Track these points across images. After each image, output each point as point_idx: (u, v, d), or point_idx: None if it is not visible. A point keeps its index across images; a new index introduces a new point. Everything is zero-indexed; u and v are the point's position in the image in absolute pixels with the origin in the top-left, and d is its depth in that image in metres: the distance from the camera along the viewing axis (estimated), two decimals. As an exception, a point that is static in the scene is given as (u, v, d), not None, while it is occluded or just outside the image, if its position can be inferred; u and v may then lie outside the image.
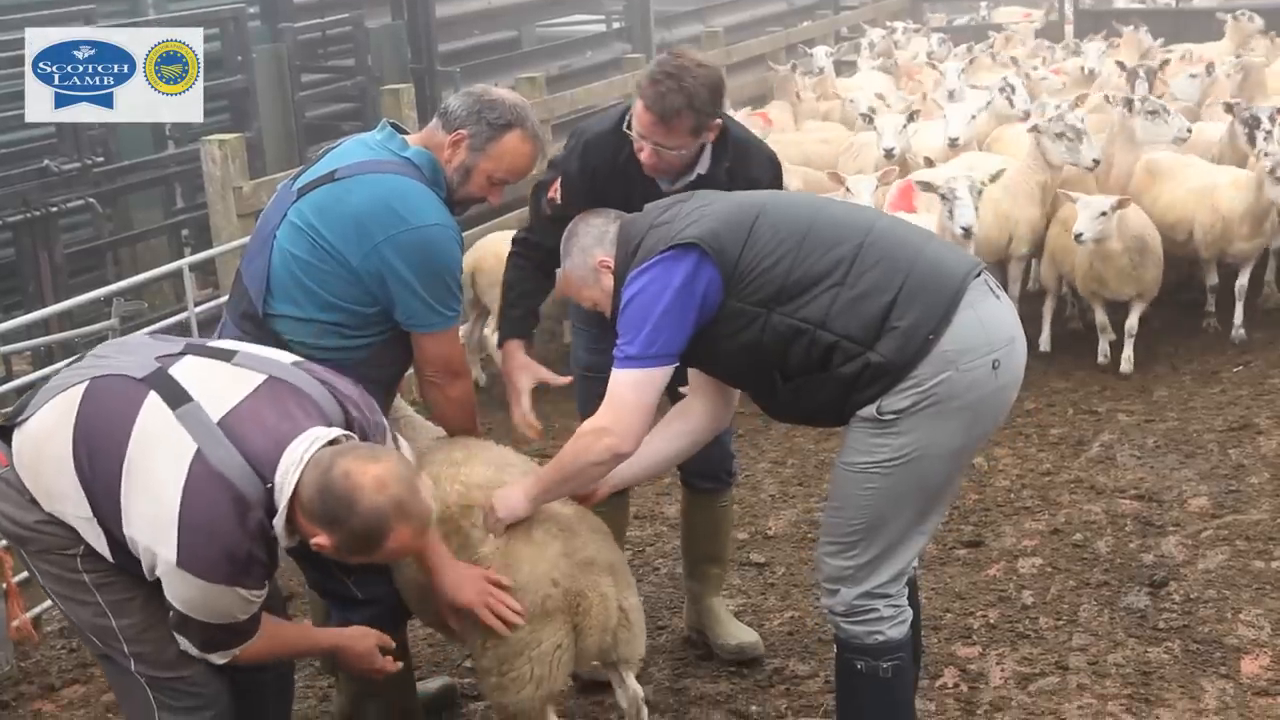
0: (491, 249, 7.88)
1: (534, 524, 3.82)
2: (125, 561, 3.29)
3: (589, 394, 4.69)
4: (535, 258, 4.53)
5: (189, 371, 3.31)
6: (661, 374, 3.66)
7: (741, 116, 10.75)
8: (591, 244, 3.86)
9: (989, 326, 3.62)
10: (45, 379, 6.70)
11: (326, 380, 3.41)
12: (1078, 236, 7.45)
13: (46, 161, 10.28)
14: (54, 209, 10.32)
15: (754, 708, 4.61)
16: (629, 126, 4.20)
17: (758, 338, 3.61)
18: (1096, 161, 7.91)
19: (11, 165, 10.42)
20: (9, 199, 10.18)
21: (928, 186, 7.38)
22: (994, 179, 7.54)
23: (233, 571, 3.15)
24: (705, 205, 3.73)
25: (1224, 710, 4.45)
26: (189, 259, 7.08)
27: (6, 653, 5.25)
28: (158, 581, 3.24)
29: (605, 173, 4.27)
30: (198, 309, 6.59)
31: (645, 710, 4.03)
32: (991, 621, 5.11)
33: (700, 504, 4.94)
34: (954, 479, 3.85)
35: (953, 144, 8.92)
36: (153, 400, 3.23)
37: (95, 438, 3.24)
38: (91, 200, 10.81)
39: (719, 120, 4.21)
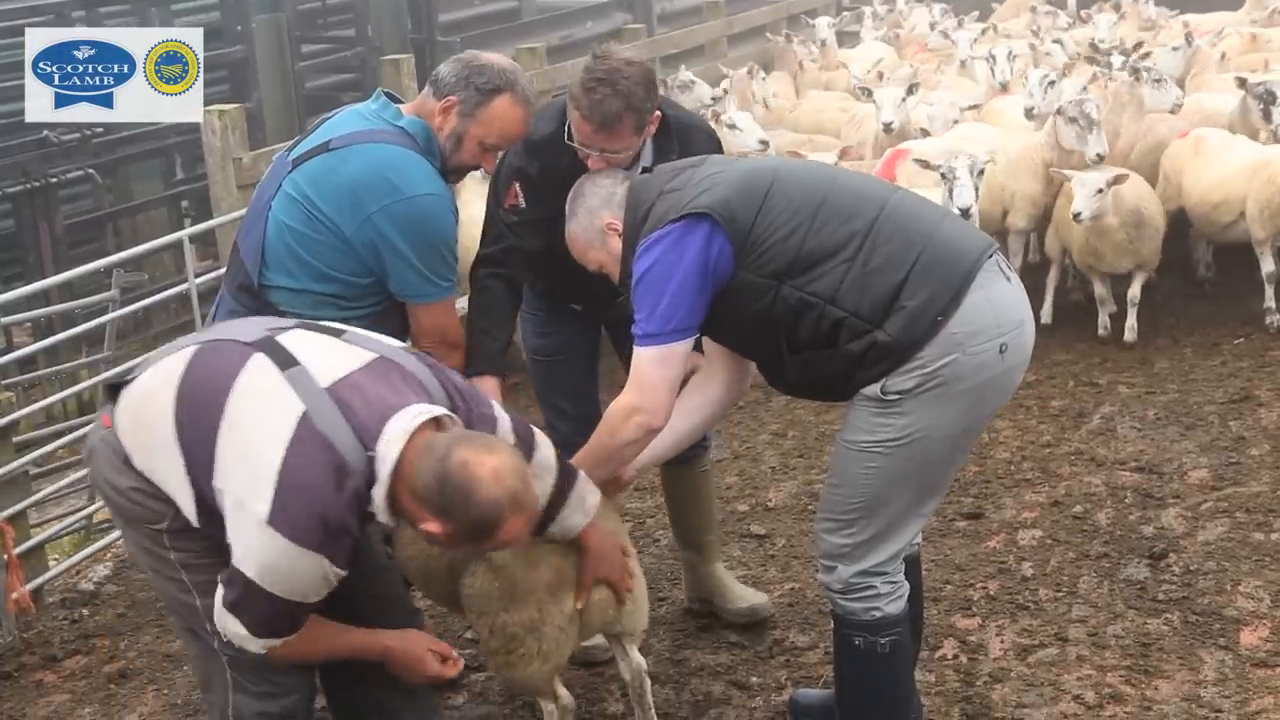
0: None
1: None
2: (210, 527, 3.20)
3: (540, 377, 4.70)
4: (505, 275, 4.34)
5: (298, 340, 3.29)
6: (683, 347, 3.64)
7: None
8: (599, 205, 3.81)
9: (999, 309, 3.60)
10: (45, 351, 6.77)
11: (434, 366, 3.39)
12: (1076, 216, 7.39)
13: (46, 132, 10.29)
14: (54, 180, 10.33)
15: (754, 678, 4.62)
16: (570, 138, 4.07)
17: (768, 309, 3.59)
18: (1101, 156, 7.70)
19: (11, 136, 10.41)
20: (9, 170, 10.19)
21: (925, 164, 7.32)
22: (991, 159, 7.52)
23: (324, 538, 3.08)
24: (717, 172, 3.69)
25: (1223, 681, 4.46)
26: (189, 230, 7.06)
27: (8, 624, 5.27)
28: (203, 498, 3.19)
29: (562, 174, 4.11)
30: (198, 280, 6.58)
31: (648, 681, 4.05)
32: (991, 593, 5.12)
33: (677, 476, 4.91)
34: (956, 460, 3.84)
35: (887, 130, 8.82)
36: (260, 360, 3.20)
37: (198, 393, 3.21)
38: (91, 171, 10.82)
39: (658, 111, 4.12)
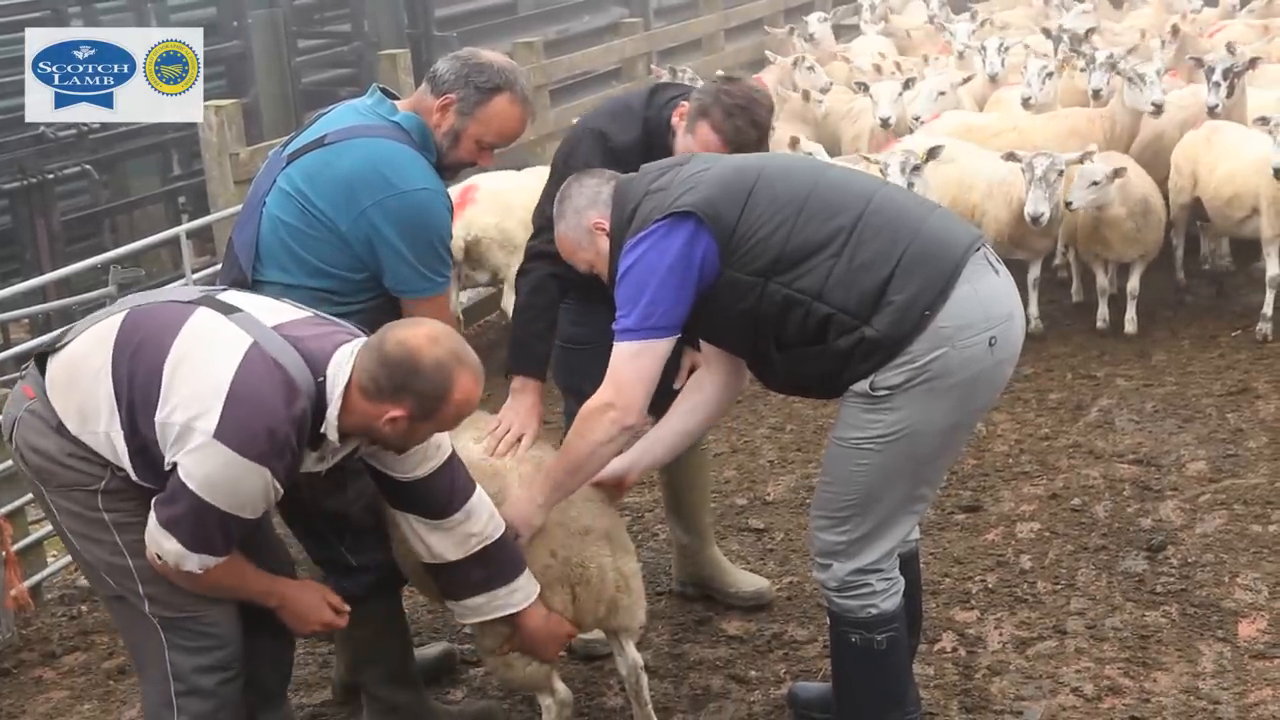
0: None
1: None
2: (147, 479, 3.30)
3: (568, 364, 4.69)
4: (560, 275, 4.24)
5: (237, 295, 3.45)
6: (662, 345, 3.62)
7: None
8: (585, 205, 3.80)
9: (987, 302, 3.59)
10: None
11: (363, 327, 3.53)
12: (1068, 204, 7.44)
13: (43, 128, 10.25)
14: (50, 176, 10.31)
15: (753, 672, 4.63)
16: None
17: (754, 307, 3.58)
18: (1157, 106, 7.77)
19: (8, 132, 10.39)
20: (5, 166, 10.17)
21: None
22: (930, 156, 7.50)
23: (269, 450, 3.19)
24: (702, 170, 3.68)
25: (1221, 673, 4.46)
26: (186, 226, 7.06)
27: (7, 621, 5.26)
28: (141, 450, 3.27)
29: None
30: (195, 275, 6.58)
31: (644, 678, 4.04)
32: (990, 586, 5.12)
33: (683, 457, 4.79)
34: (949, 454, 3.84)
35: (884, 124, 8.83)
36: (203, 310, 3.34)
37: (139, 343, 3.30)
38: (88, 167, 10.79)
39: None
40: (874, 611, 3.76)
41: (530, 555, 3.74)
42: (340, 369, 3.26)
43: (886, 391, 3.55)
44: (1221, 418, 6.58)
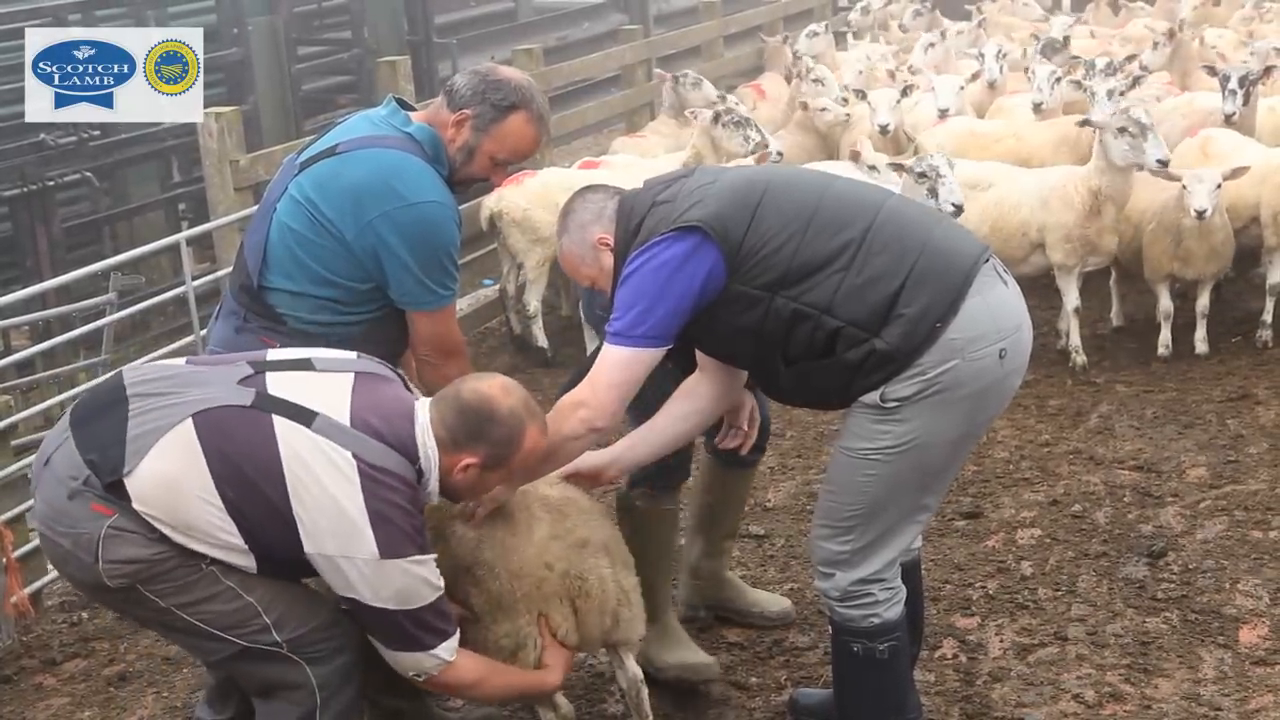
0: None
1: (515, 509, 3.77)
2: (269, 571, 3.47)
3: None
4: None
5: (287, 387, 3.44)
6: (649, 355, 3.59)
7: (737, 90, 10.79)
8: (589, 220, 3.77)
9: (997, 314, 3.59)
10: (43, 354, 6.76)
11: (381, 361, 3.67)
12: (1200, 213, 7.02)
13: (43, 135, 10.27)
14: (51, 183, 10.33)
15: (754, 679, 4.62)
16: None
17: (761, 321, 3.57)
18: (1163, 162, 7.16)
19: (8, 139, 10.41)
20: (6, 173, 10.19)
21: (900, 167, 7.17)
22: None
23: (423, 542, 3.42)
24: (709, 184, 3.65)
25: (1222, 679, 4.46)
26: (186, 233, 7.05)
27: (8, 627, 5.26)
28: (267, 556, 3.41)
29: None
30: (195, 283, 6.57)
31: (644, 690, 4.02)
32: (990, 592, 5.12)
33: (733, 478, 4.78)
34: (955, 465, 3.84)
35: (883, 131, 8.82)
36: (282, 422, 3.36)
37: (243, 472, 3.33)
38: (88, 174, 10.81)
39: None
40: (876, 621, 3.76)
41: (524, 569, 3.71)
42: (427, 446, 3.43)
43: (897, 403, 3.55)
44: (1222, 424, 6.59)
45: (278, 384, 3.44)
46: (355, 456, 3.32)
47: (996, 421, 6.65)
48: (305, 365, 3.53)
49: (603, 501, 4.30)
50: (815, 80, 9.82)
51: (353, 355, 3.62)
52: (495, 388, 3.48)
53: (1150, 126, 7.08)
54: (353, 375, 3.50)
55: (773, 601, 5.01)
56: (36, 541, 5.61)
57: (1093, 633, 4.79)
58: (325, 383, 3.47)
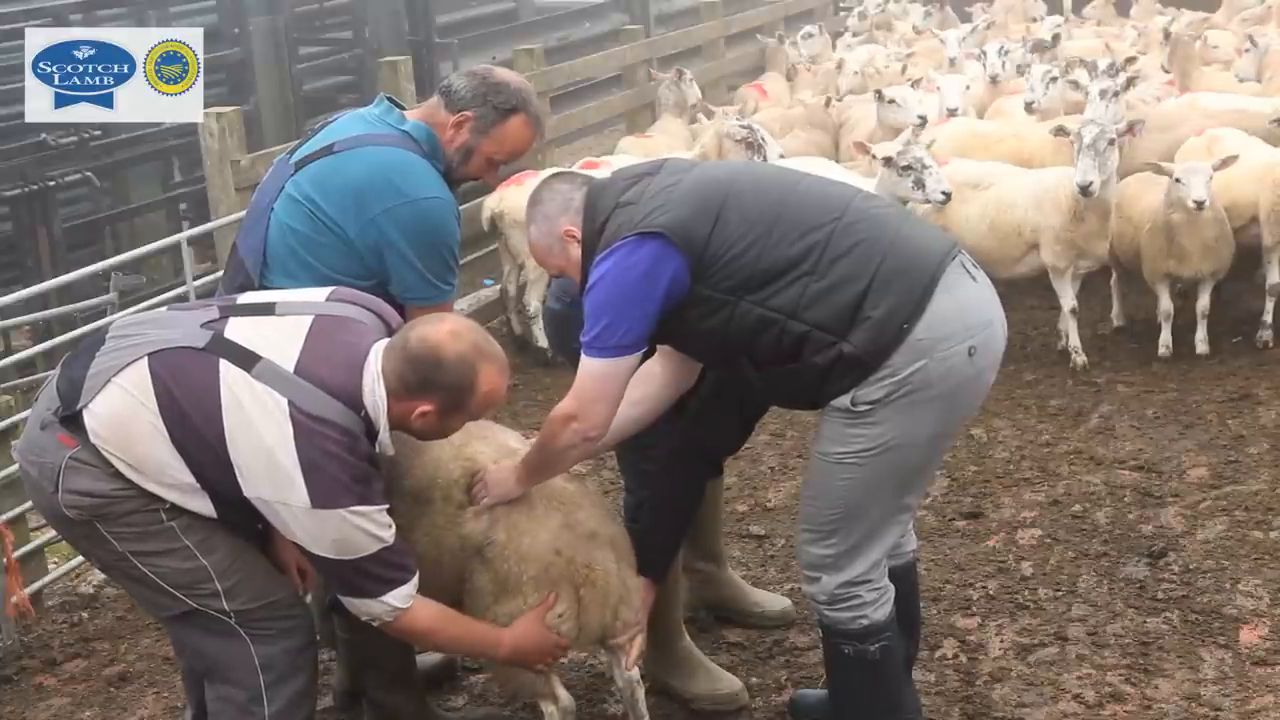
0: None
1: (535, 497, 3.81)
2: (228, 514, 3.47)
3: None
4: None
5: (243, 332, 3.45)
6: (625, 363, 3.60)
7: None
8: (556, 212, 3.74)
9: (965, 311, 3.57)
10: (44, 354, 6.77)
11: (358, 300, 3.62)
12: (1199, 204, 7.02)
13: (43, 135, 10.27)
14: (52, 183, 10.32)
15: (754, 679, 4.62)
16: None
17: (726, 325, 3.56)
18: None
19: (8, 139, 10.41)
20: (7, 173, 10.19)
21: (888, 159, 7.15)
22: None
23: (362, 491, 3.35)
24: (673, 185, 3.62)
25: (1223, 680, 4.46)
26: (187, 233, 7.06)
27: (8, 628, 5.26)
28: (219, 497, 3.42)
29: None
30: (196, 283, 6.58)
31: (640, 691, 4.02)
32: (991, 592, 5.12)
33: (715, 485, 4.80)
34: (933, 463, 3.84)
35: (951, 115, 8.85)
36: (227, 366, 3.37)
37: (186, 412, 3.36)
38: (89, 174, 10.80)
39: None
40: (865, 623, 3.76)
41: (535, 553, 3.74)
42: (375, 394, 3.38)
43: (868, 406, 3.53)
44: (1222, 424, 6.58)
45: (236, 328, 3.46)
46: (291, 404, 3.31)
47: (997, 421, 6.69)
48: (266, 310, 3.54)
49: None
50: (890, 102, 9.08)
51: (322, 296, 3.61)
52: (443, 333, 3.41)
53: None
54: (311, 319, 3.49)
55: (773, 601, 5.01)
56: (37, 542, 5.63)
57: (1093, 633, 4.79)
58: (281, 328, 3.47)
